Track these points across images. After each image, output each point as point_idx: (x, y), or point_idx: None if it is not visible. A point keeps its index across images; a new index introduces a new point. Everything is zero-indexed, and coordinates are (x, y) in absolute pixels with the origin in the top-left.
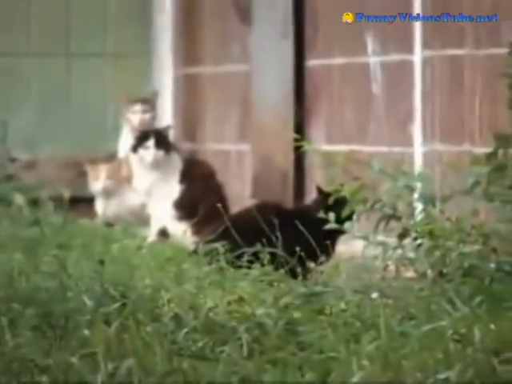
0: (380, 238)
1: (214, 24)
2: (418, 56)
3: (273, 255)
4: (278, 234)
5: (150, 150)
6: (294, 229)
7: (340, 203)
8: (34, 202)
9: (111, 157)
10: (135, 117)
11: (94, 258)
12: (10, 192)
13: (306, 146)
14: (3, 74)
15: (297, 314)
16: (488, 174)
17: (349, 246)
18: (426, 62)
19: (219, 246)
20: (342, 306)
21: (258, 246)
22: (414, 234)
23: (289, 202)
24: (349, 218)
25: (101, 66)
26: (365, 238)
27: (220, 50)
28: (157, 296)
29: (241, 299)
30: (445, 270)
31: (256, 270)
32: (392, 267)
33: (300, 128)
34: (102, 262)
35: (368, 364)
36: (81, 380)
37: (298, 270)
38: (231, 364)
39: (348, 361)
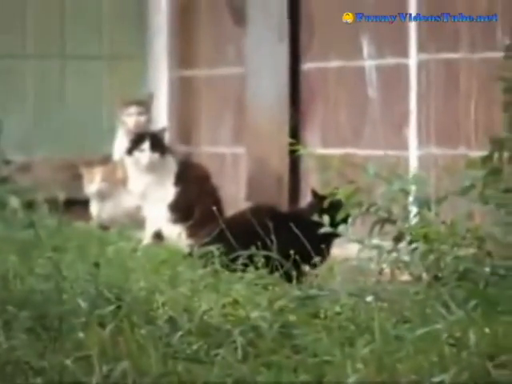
0: (375, 241)
1: (209, 27)
2: (413, 59)
3: (268, 258)
4: (273, 237)
5: (145, 153)
6: (289, 232)
7: (335, 206)
8: (29, 205)
9: (106, 159)
10: (130, 119)
11: (88, 261)
12: (4, 194)
13: (301, 150)
14: None
15: (291, 317)
16: (483, 177)
17: (344, 250)
18: (421, 66)
19: (214, 248)
20: (337, 309)
21: (253, 249)
22: (408, 238)
23: (284, 205)
24: (344, 221)
25: (96, 68)
26: (360, 241)
27: (215, 52)
28: (151, 299)
29: (235, 302)
30: (440, 274)
31: (251, 273)
32: (387, 270)
33: (295, 131)
34: (96, 265)
35: (363, 367)
36: (75, 382)
37: (293, 273)
38: (226, 367)
39: (343, 364)
